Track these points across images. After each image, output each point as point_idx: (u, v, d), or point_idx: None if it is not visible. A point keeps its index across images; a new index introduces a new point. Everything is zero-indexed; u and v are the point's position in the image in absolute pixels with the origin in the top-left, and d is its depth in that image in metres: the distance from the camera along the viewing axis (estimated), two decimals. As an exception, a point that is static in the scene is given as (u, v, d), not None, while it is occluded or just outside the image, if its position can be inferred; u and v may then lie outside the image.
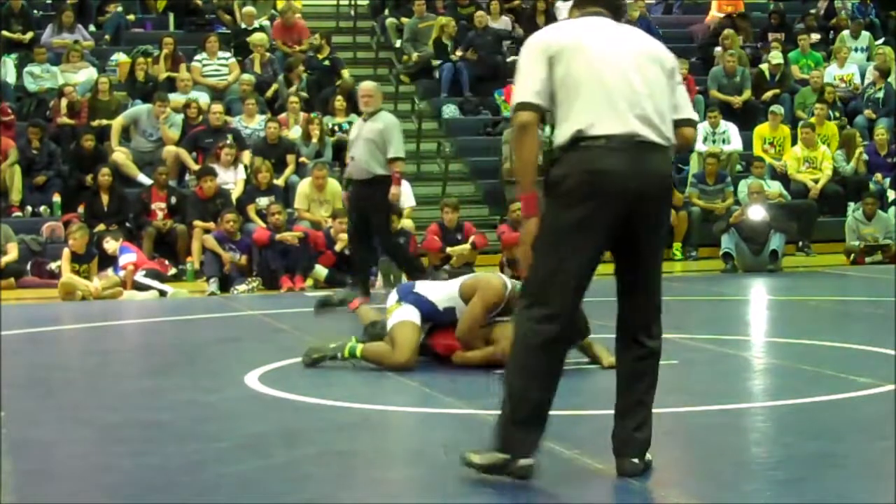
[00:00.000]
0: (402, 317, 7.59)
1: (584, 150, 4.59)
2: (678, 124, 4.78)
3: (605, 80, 4.61)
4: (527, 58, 4.74)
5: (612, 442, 4.82)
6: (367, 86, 12.31)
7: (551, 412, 4.72)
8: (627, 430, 4.77)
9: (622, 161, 4.55)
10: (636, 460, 4.74)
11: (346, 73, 17.95)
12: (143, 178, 15.50)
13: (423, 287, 7.82)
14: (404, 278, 13.45)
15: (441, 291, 7.72)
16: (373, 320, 8.00)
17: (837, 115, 18.19)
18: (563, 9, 20.25)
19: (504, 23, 19.68)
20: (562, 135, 4.67)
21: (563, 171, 4.62)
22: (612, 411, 4.87)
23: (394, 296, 7.77)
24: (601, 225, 4.59)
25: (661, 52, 4.79)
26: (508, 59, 18.94)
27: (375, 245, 12.36)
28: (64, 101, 16.41)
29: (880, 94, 18.58)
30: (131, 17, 19.37)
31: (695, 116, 4.92)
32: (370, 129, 11.72)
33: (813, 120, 17.46)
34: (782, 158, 17.07)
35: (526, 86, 4.69)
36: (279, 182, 15.35)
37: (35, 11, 18.71)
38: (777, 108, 17.69)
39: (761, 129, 17.55)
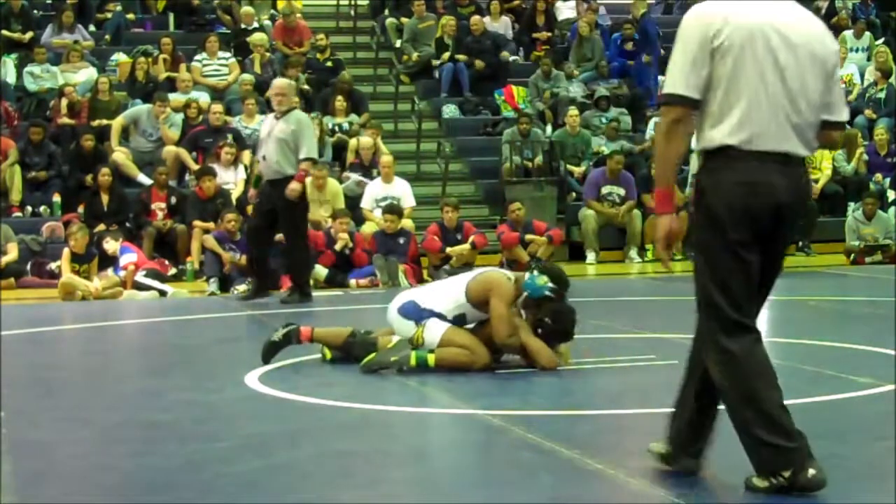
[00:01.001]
0: (442, 328, 7.33)
1: (736, 161, 4.37)
2: (828, 125, 4.51)
3: (770, 90, 4.34)
4: (688, 41, 4.38)
5: (689, 438, 4.69)
6: (280, 83, 12.07)
7: (558, 412, 4.69)
8: (708, 431, 4.69)
9: (775, 176, 4.35)
10: (698, 460, 4.72)
11: (345, 73, 17.95)
12: (143, 178, 15.51)
13: (426, 300, 7.48)
14: (402, 277, 13.49)
15: (446, 300, 7.42)
16: (350, 332, 7.77)
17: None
18: (563, 9, 20.27)
19: (504, 23, 19.69)
20: (710, 139, 4.44)
21: (713, 182, 4.41)
22: (621, 410, 4.84)
23: (406, 322, 7.41)
24: (754, 235, 4.40)
25: (827, 51, 4.46)
26: (510, 59, 19.02)
27: (273, 246, 12.12)
28: (64, 101, 16.42)
29: (882, 95, 18.58)
30: (130, 15, 19.37)
31: (846, 117, 4.65)
32: (282, 129, 11.49)
33: (810, 120, 17.45)
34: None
35: (683, 76, 4.38)
36: (279, 182, 15.33)
37: (35, 11, 18.72)
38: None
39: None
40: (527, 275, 7.49)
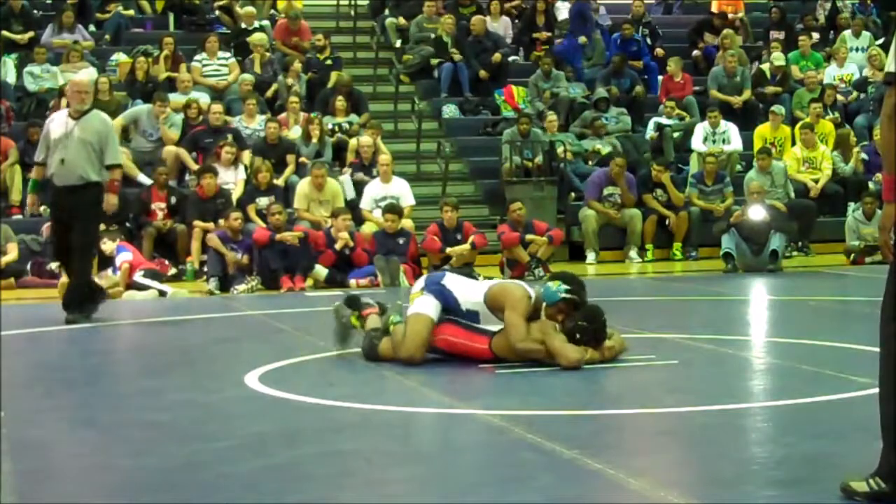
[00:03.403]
0: (418, 308, 7.62)
1: None
2: None
3: None
4: None
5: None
6: (83, 81, 11.17)
7: (558, 412, 4.67)
8: None
9: None
10: None
11: (341, 73, 17.94)
12: (143, 178, 15.51)
13: (452, 282, 7.74)
14: (402, 277, 13.50)
15: (468, 292, 7.66)
16: (372, 327, 7.95)
17: (837, 115, 18.16)
18: (563, 9, 20.28)
19: (504, 23, 19.69)
20: None
21: None
22: (621, 410, 4.84)
23: (420, 283, 7.81)
24: None
25: None
26: (510, 59, 19.04)
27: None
28: (64, 102, 16.40)
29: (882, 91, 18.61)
30: (129, 12, 19.38)
31: None
32: (85, 130, 10.47)
33: (808, 119, 17.46)
34: (782, 158, 17.07)
35: None
36: (279, 182, 15.35)
37: (35, 11, 18.73)
38: (778, 109, 17.69)
39: (762, 130, 17.55)
40: (542, 288, 7.62)
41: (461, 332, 7.64)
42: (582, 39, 19.11)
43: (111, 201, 10.61)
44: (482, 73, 18.46)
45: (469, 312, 7.60)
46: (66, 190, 10.44)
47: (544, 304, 7.51)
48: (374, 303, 8.17)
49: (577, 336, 7.42)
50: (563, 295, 7.45)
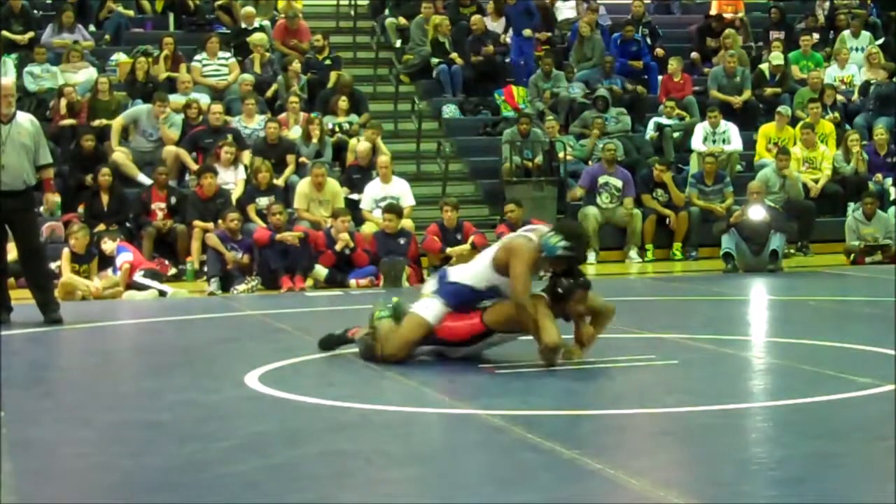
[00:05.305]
0: (420, 310, 7.60)
1: None
2: None
3: None
4: None
5: None
6: (8, 84, 10.83)
7: (558, 412, 4.67)
8: None
9: None
10: None
11: (341, 72, 17.93)
12: (143, 178, 15.51)
13: (457, 273, 7.65)
14: (404, 279, 13.50)
15: (475, 273, 7.56)
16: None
17: (837, 115, 18.15)
18: (563, 9, 20.28)
19: (503, 23, 19.69)
20: None
21: None
22: (621, 410, 4.84)
23: (432, 283, 7.76)
24: None
25: None
26: (507, 60, 19.03)
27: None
28: (64, 101, 16.42)
29: (881, 90, 18.59)
30: (130, 12, 19.39)
31: None
32: (21, 133, 10.32)
33: (808, 119, 17.46)
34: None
35: None
36: (279, 182, 15.35)
37: (35, 11, 18.73)
38: (784, 109, 17.69)
39: (767, 129, 17.53)
40: (543, 240, 7.49)
41: (450, 315, 7.63)
42: (526, 32, 19.14)
43: (53, 200, 10.59)
44: (482, 73, 18.47)
45: (489, 289, 7.52)
46: (6, 195, 10.27)
47: (543, 253, 7.46)
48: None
49: (558, 290, 7.43)
50: (560, 252, 7.41)
